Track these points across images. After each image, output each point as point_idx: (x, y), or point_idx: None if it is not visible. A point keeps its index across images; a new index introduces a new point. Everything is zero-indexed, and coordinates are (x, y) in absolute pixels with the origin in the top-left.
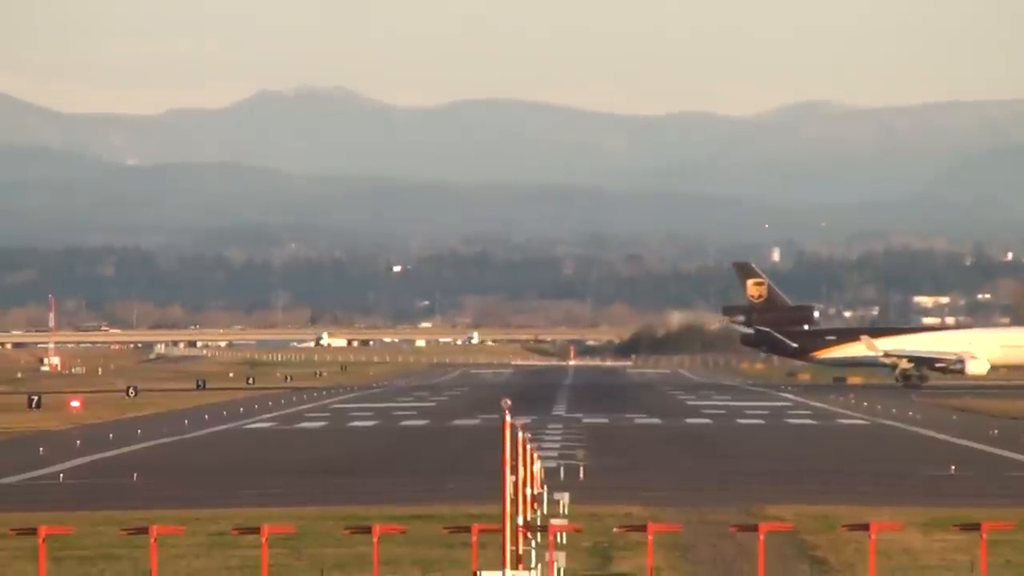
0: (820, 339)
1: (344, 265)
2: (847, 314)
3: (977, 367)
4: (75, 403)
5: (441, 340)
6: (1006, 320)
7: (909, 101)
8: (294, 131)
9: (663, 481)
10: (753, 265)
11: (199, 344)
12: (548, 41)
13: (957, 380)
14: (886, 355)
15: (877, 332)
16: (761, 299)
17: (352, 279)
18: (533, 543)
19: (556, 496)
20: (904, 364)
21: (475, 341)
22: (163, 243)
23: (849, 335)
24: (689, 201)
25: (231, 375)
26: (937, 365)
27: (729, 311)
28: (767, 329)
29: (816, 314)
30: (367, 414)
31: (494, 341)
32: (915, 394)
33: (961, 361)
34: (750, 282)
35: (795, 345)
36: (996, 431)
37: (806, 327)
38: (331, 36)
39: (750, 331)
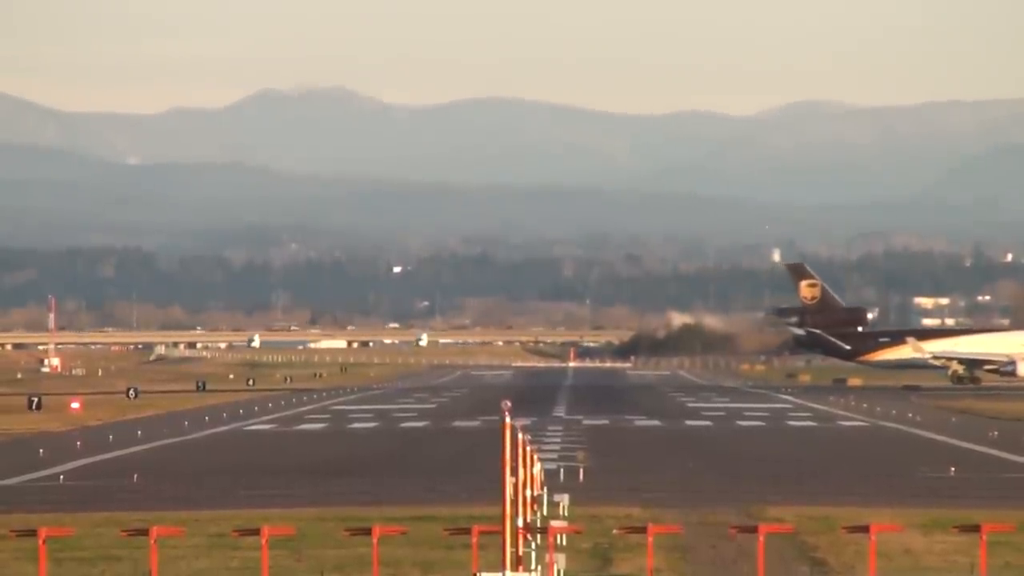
0: (873, 341)
1: (344, 266)
2: None
3: None
4: (75, 404)
5: (389, 341)
6: (1006, 322)
7: (910, 101)
8: (295, 131)
9: (663, 483)
10: (807, 266)
11: (199, 345)
12: (548, 41)
13: (1010, 382)
14: (934, 357)
15: (925, 334)
16: (815, 300)
17: (352, 280)
18: (533, 544)
19: (556, 498)
20: (955, 366)
21: (423, 343)
22: (163, 243)
23: (902, 337)
24: (689, 202)
25: (231, 376)
26: (987, 367)
27: (782, 313)
28: (818, 331)
29: (870, 316)
30: (367, 416)
31: (444, 341)
32: (915, 396)
33: (1012, 363)
34: (803, 283)
35: (848, 347)
36: (996, 433)
37: (859, 329)
38: (332, 36)
39: (802, 333)
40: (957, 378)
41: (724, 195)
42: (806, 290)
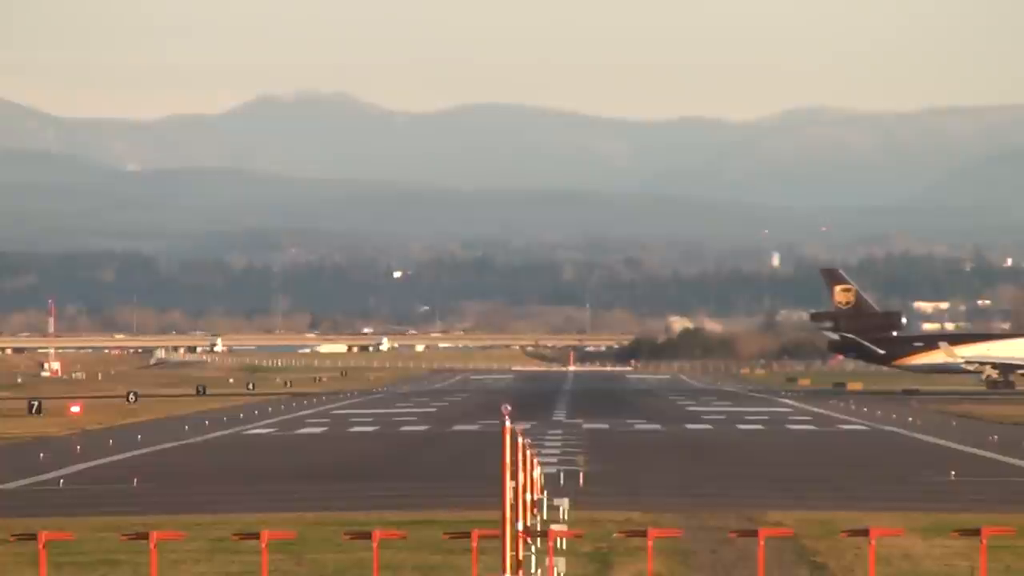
0: (908, 346)
1: (344, 270)
2: None
3: None
4: (75, 408)
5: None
6: (1006, 326)
7: (909, 106)
8: (295, 136)
9: (663, 487)
10: (841, 271)
11: (199, 349)
12: (549, 46)
13: None
14: (967, 362)
15: (957, 339)
16: (849, 305)
17: (352, 284)
18: (533, 548)
19: (556, 501)
20: (989, 370)
21: (384, 348)
22: (163, 248)
23: (936, 342)
24: (689, 206)
25: (231, 381)
26: (1021, 371)
27: (817, 317)
28: (853, 336)
29: (904, 320)
30: (367, 420)
31: (399, 345)
32: (915, 400)
33: None
34: (838, 288)
35: (882, 352)
36: (996, 437)
37: (894, 333)
38: (332, 41)
39: (837, 337)
40: (992, 383)
41: (724, 200)
42: (840, 295)
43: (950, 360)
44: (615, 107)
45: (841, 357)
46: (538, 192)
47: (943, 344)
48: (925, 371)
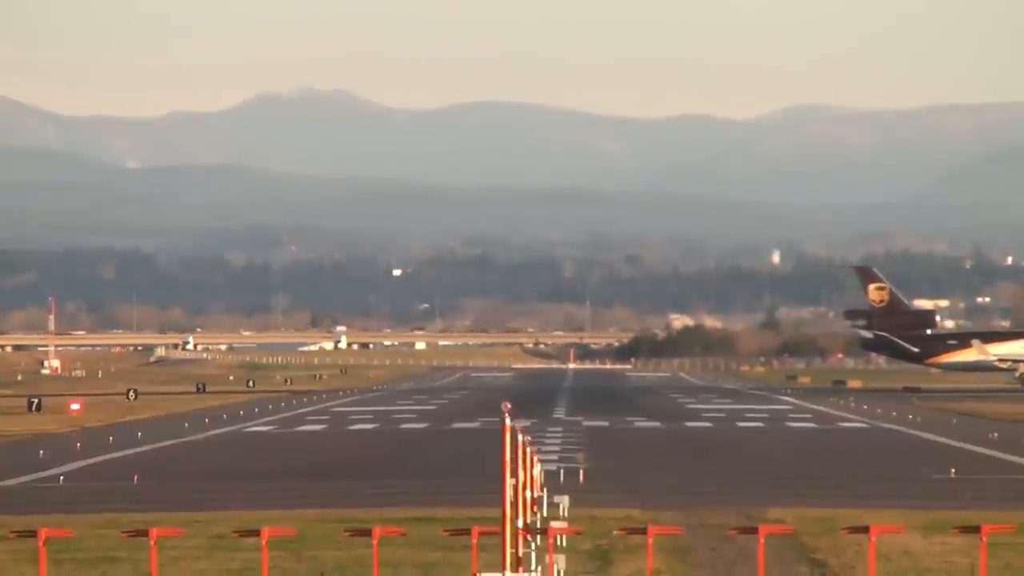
0: (941, 344)
1: (344, 268)
2: None
3: None
4: (75, 406)
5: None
6: (1006, 323)
7: (909, 104)
8: (295, 134)
9: (663, 484)
10: (875, 269)
11: (199, 347)
12: (549, 44)
13: None
14: (1000, 360)
15: (990, 337)
16: (883, 303)
17: (352, 282)
18: (533, 545)
19: (556, 499)
20: (1022, 369)
21: (342, 345)
22: (163, 245)
23: (969, 340)
24: (689, 203)
25: (231, 378)
26: None
27: (851, 315)
28: (886, 334)
29: (938, 319)
30: (367, 417)
31: (359, 344)
32: (915, 397)
33: None
34: (872, 286)
35: (916, 350)
36: (996, 434)
37: (928, 332)
38: (332, 39)
39: (870, 336)
40: None
41: (724, 197)
42: (874, 293)
43: (983, 358)
44: (616, 105)
45: (840, 355)
46: (539, 190)
47: (976, 342)
48: (958, 369)
